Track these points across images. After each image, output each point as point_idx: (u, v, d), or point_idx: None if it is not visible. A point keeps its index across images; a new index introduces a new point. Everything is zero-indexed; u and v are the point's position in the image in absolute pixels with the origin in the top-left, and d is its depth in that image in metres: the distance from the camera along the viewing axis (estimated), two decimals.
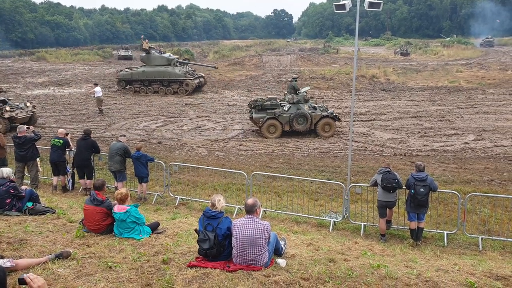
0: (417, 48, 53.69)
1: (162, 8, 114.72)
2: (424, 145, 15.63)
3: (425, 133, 17.33)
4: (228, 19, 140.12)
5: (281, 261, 5.21)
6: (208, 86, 30.70)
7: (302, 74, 34.24)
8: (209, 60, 49.71)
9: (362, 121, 19.79)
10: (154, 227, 6.51)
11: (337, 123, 17.35)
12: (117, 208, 6.19)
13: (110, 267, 4.66)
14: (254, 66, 40.85)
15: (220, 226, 5.24)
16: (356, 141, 16.15)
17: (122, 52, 53.43)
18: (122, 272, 4.54)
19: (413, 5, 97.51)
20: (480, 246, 7.74)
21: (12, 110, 17.58)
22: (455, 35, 65.28)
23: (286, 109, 16.81)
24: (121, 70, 29.41)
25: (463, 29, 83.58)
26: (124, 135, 11.12)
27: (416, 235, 7.90)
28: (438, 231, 8.33)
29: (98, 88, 21.63)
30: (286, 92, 18.65)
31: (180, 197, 10.16)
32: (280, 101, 17.72)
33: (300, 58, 44.79)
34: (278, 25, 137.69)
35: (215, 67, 33.86)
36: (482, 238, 7.91)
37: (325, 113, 16.93)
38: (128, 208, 6.17)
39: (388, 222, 8.38)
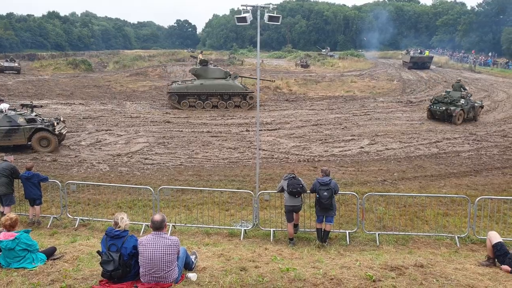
0: (316, 61, 57.37)
1: (53, 15, 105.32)
2: (325, 151, 16.63)
3: (325, 139, 18.44)
4: (129, 28, 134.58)
5: (192, 275, 5.10)
6: (108, 98, 29.11)
7: None
8: (109, 71, 47.13)
9: (269, 130, 20.43)
10: (50, 253, 5.88)
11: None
12: (3, 236, 5.48)
13: None
14: (158, 77, 39.78)
15: (125, 246, 4.97)
16: (264, 150, 16.58)
17: (6, 63, 44.45)
18: None
19: (310, 19, 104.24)
20: (377, 242, 8.39)
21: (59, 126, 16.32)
22: (328, 48, 71.14)
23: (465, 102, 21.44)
24: (172, 83, 26.80)
25: (355, 43, 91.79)
26: (11, 154, 9.94)
27: (322, 236, 8.30)
28: (341, 231, 8.86)
29: (4, 105, 16.52)
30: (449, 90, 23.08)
31: (80, 218, 9.39)
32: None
33: None
34: (182, 35, 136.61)
35: (272, 81, 32.12)
36: (378, 234, 8.60)
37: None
38: (17, 235, 5.51)
39: (296, 226, 8.68)
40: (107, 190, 10.96)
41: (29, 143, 15.76)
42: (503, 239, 6.62)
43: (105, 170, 14.05)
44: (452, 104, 21.43)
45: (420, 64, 47.65)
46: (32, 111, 16.63)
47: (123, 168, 14.35)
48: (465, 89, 22.97)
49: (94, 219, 9.41)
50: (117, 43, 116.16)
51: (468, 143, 17.53)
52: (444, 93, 22.93)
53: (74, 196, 10.78)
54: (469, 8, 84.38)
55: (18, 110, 16.62)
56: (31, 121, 15.67)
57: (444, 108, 21.48)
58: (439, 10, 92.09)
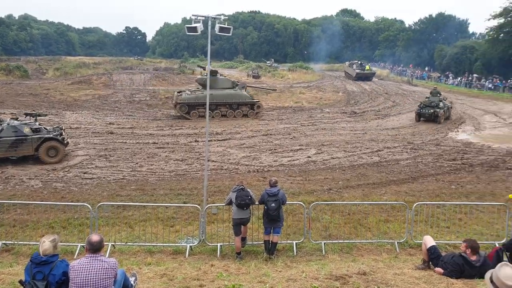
0: (267, 72, 58.16)
1: None
2: (274, 161, 16.71)
3: (275, 149, 18.56)
4: (73, 33, 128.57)
5: None
6: (45, 107, 27.48)
7: (157, 93, 33.49)
8: (48, 78, 44.64)
9: (218, 140, 20.22)
10: None
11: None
12: None
13: None
14: (103, 85, 38.27)
15: (53, 273, 4.52)
16: (213, 161, 16.33)
17: None
18: None
19: (262, 31, 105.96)
20: (323, 251, 8.44)
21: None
22: (272, 59, 72.87)
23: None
24: (180, 93, 26.09)
25: (304, 56, 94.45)
26: None
27: (270, 248, 8.21)
28: (288, 241, 8.82)
29: None
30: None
31: (3, 242, 8.49)
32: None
33: (154, 77, 43.86)
34: (131, 43, 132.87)
35: (274, 90, 33.09)
36: (324, 243, 8.67)
37: None
38: None
39: (243, 239, 8.53)
40: (38, 209, 10.08)
41: (36, 153, 15.30)
42: (436, 242, 6.99)
43: (37, 187, 13.01)
44: (437, 107, 25.68)
45: (364, 78, 52.72)
46: (36, 120, 16.36)
47: (58, 183, 13.38)
48: (440, 94, 27.45)
49: (20, 242, 8.55)
50: (59, 49, 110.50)
51: (407, 152, 18.39)
52: (426, 99, 27.00)
53: None
54: (407, 25, 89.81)
55: (21, 119, 16.45)
56: (36, 130, 15.39)
57: (432, 111, 25.64)
58: (381, 27, 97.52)
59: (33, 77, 45.34)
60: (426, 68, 66.24)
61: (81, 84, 38.01)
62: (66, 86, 36.32)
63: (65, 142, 15.87)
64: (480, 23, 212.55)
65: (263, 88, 35.35)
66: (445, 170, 15.66)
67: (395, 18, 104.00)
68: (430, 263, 6.69)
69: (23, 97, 30.71)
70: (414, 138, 21.52)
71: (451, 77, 53.87)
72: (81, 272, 4.50)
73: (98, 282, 4.48)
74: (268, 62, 69.81)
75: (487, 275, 3.95)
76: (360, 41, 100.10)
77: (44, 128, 16.08)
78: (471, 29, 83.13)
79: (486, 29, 53.91)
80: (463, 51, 59.09)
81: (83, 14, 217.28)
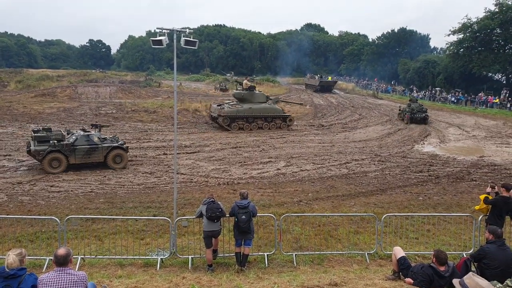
0: (234, 85, 58.47)
1: None
2: (244, 173, 16.81)
3: (244, 162, 18.69)
4: (34, 46, 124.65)
5: None
6: (8, 120, 26.47)
7: (123, 106, 32.97)
8: (10, 91, 43.01)
9: (188, 153, 20.14)
10: None
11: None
12: None
13: None
14: (67, 98, 37.27)
15: (22, 286, 4.45)
16: (182, 173, 16.24)
17: None
18: None
19: (228, 45, 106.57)
20: (295, 262, 8.53)
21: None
22: (232, 72, 73.38)
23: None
24: (221, 107, 27.47)
25: (270, 69, 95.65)
26: None
27: (241, 260, 8.25)
28: (260, 253, 8.86)
29: None
30: None
31: None
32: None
33: (120, 90, 43.15)
34: (95, 55, 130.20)
35: (301, 104, 36.03)
36: (295, 255, 8.76)
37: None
38: None
39: (215, 252, 8.52)
40: (4, 222, 9.76)
41: (104, 160, 16.83)
42: (406, 253, 7.12)
43: (1, 200, 12.60)
44: (426, 112, 32.17)
45: (326, 87, 55.18)
46: (99, 131, 17.98)
47: (24, 197, 13.00)
48: (417, 100, 35.56)
49: None
50: (20, 61, 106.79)
51: (374, 164, 18.93)
52: (410, 107, 32.47)
53: None
54: (370, 40, 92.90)
55: (87, 130, 18.03)
56: (103, 140, 17.02)
57: (423, 115, 31.68)
58: (345, 41, 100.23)
59: None
60: (392, 82, 68.55)
61: (45, 96, 36.85)
62: (30, 99, 35.12)
63: (128, 149, 17.59)
64: (440, 38, 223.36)
65: (291, 102, 37.14)
66: (413, 181, 16.12)
67: (359, 33, 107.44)
68: (400, 273, 6.82)
69: None
70: (381, 150, 22.19)
71: (415, 91, 55.80)
72: (50, 286, 4.45)
73: None
74: (228, 74, 70.42)
75: (456, 281, 4.06)
76: (325, 55, 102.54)
77: (107, 137, 17.61)
78: (432, 44, 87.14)
79: (447, 44, 56.17)
80: (425, 65, 61.63)
81: (44, 26, 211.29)
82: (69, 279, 4.50)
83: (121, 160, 17.02)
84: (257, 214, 8.65)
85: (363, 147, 23.02)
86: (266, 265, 8.43)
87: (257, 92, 29.13)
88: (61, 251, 4.67)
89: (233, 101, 29.14)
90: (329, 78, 59.46)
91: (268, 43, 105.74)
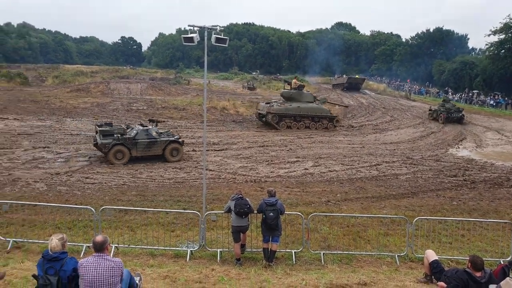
0: (262, 84, 58.60)
1: None
2: (271, 172, 16.86)
3: (271, 161, 18.73)
4: (70, 42, 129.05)
5: None
6: (46, 114, 27.58)
7: (154, 103, 33.69)
8: (47, 85, 44.75)
9: (216, 150, 20.38)
10: None
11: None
12: None
13: None
14: (100, 93, 38.39)
15: (64, 268, 4.66)
16: (211, 170, 16.47)
17: None
18: None
19: (256, 43, 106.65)
20: (323, 261, 8.52)
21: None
22: (258, 71, 73.17)
23: None
24: (270, 104, 28.07)
25: (299, 68, 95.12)
26: None
27: (269, 256, 8.32)
28: (287, 250, 8.91)
29: None
30: None
31: (14, 239, 8.63)
32: None
33: (151, 87, 44.08)
34: (127, 52, 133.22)
35: (346, 106, 36.21)
36: (323, 253, 8.75)
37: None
38: None
39: (243, 246, 8.64)
40: (45, 210, 10.25)
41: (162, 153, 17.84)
42: (438, 257, 6.97)
43: (42, 189, 13.20)
44: (459, 111, 32.25)
45: (354, 85, 54.28)
46: (156, 126, 19.02)
47: (62, 187, 13.56)
48: (450, 101, 35.98)
49: (30, 240, 8.70)
50: (57, 57, 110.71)
51: (406, 167, 18.52)
52: (444, 106, 32.83)
53: (6, 216, 10.02)
54: (404, 40, 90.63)
55: (145, 125, 18.92)
56: (160, 134, 18.11)
57: (460, 114, 32.09)
58: (377, 41, 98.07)
59: (33, 84, 45.39)
60: (427, 83, 66.60)
61: (79, 92, 38.14)
62: (65, 94, 36.43)
63: (183, 143, 18.54)
64: (480, 38, 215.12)
65: (338, 104, 37.43)
66: (446, 186, 15.64)
67: (391, 33, 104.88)
68: (433, 277, 6.68)
69: (24, 103, 30.76)
70: (413, 153, 21.70)
71: (450, 93, 53.58)
72: (90, 269, 4.64)
73: (106, 280, 4.63)
74: (254, 73, 70.69)
75: (492, 287, 3.95)
76: (356, 55, 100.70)
77: (164, 132, 18.65)
78: (470, 44, 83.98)
79: (486, 44, 53.62)
80: (462, 67, 59.30)
81: (78, 23, 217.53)
82: (106, 265, 4.70)
83: (177, 153, 18.05)
84: (285, 212, 8.71)
85: (394, 149, 22.59)
86: (294, 262, 8.47)
87: (305, 92, 29.59)
88: (99, 238, 4.88)
89: (280, 100, 29.55)
90: (357, 76, 58.91)
91: (297, 41, 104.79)
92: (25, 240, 8.75)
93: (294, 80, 31.18)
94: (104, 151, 16.76)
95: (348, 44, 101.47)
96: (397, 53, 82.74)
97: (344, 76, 58.63)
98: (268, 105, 28.14)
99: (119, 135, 16.98)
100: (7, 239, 8.68)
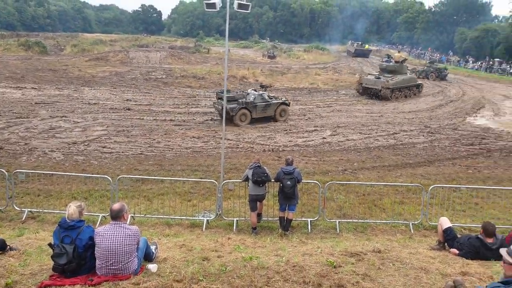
0: (282, 52, 57.50)
1: None
2: (289, 141, 16.76)
3: (289, 130, 18.59)
4: (89, 10, 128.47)
5: (152, 266, 4.95)
6: (64, 83, 27.85)
7: (173, 72, 33.57)
8: (66, 54, 45.06)
9: None
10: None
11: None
12: None
13: None
14: (119, 62, 38.45)
15: (80, 237, 4.70)
16: (229, 139, 16.46)
17: None
18: None
19: (278, 11, 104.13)
20: (338, 229, 8.55)
21: None
22: (276, 40, 71.94)
23: None
24: (383, 79, 27.98)
25: (320, 36, 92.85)
26: None
27: (285, 225, 8.35)
28: (303, 219, 8.95)
29: None
30: None
31: (29, 209, 8.77)
32: None
33: (170, 55, 43.84)
34: (146, 21, 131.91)
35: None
36: (339, 222, 8.77)
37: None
38: None
39: (259, 215, 8.69)
40: (61, 180, 10.41)
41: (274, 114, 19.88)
42: (452, 225, 6.95)
43: (58, 159, 13.39)
44: (445, 70, 38.65)
45: (361, 53, 59.00)
46: (265, 90, 20.59)
47: (79, 156, 13.74)
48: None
49: (45, 210, 8.85)
50: (76, 26, 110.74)
51: (423, 135, 18.21)
52: (431, 67, 39.14)
53: (23, 186, 10.16)
54: (427, 7, 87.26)
55: (257, 90, 20.63)
56: (271, 98, 20.14)
57: (445, 73, 38.12)
58: (400, 8, 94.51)
59: (52, 53, 45.76)
60: (450, 52, 64.40)
61: (98, 61, 38.29)
62: (84, 63, 36.64)
63: (289, 104, 20.75)
64: (504, 6, 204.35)
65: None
66: (462, 154, 15.52)
67: (415, 0, 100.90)
68: (446, 244, 6.70)
69: (42, 72, 31.11)
70: (431, 122, 21.24)
71: (471, 61, 52.29)
72: (106, 237, 4.67)
73: (122, 248, 4.66)
74: (271, 42, 69.63)
75: (503, 250, 3.97)
76: (378, 23, 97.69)
77: (272, 96, 20.61)
78: (493, 12, 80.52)
79: (510, 11, 51.46)
80: (484, 35, 57.16)
81: None
82: (123, 233, 4.71)
83: (285, 114, 20.24)
84: (302, 181, 8.66)
85: (413, 118, 22.12)
86: (309, 231, 8.50)
87: (404, 65, 31.09)
88: (116, 205, 4.89)
89: (377, 72, 30.74)
90: (366, 47, 62.56)
91: (320, 9, 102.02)
92: (40, 210, 8.87)
93: (397, 54, 33.41)
94: (231, 115, 18.34)
95: (370, 11, 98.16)
96: (420, 20, 79.80)
97: (355, 44, 62.80)
98: (379, 79, 28.30)
99: (243, 99, 18.95)
100: (22, 209, 8.80)
